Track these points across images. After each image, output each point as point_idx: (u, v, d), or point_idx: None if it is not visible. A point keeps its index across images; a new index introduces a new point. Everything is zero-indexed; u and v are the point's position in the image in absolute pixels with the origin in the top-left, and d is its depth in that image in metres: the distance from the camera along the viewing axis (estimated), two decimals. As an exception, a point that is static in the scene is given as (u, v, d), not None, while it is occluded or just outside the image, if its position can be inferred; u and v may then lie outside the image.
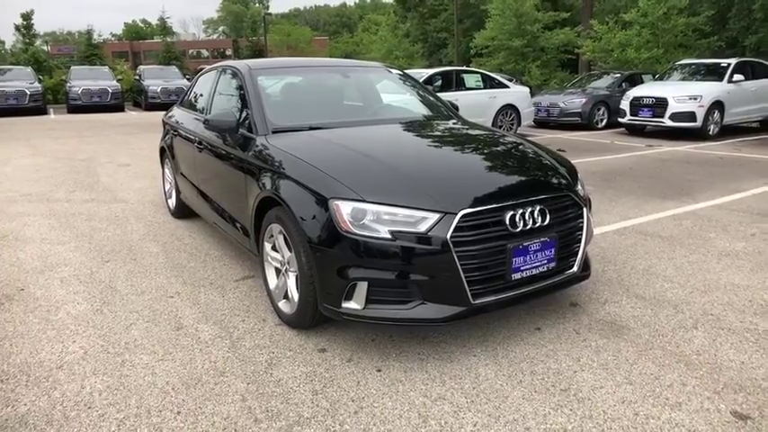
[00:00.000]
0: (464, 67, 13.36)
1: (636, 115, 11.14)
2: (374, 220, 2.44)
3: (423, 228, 2.41)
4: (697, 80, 11.43)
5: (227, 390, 2.37)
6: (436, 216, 2.42)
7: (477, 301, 2.49)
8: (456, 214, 2.43)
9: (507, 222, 2.55)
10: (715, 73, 11.35)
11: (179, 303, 3.26)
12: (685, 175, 7.08)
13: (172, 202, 5.17)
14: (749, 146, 9.84)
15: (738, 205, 5.46)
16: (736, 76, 10.98)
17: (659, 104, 10.75)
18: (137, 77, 21.41)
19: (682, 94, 10.58)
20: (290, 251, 2.81)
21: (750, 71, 11.34)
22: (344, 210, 2.47)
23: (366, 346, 2.74)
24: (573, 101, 12.45)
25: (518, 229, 2.58)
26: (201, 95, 4.50)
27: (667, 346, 2.72)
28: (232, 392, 2.35)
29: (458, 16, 23.82)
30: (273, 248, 3.02)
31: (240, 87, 3.73)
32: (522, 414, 2.20)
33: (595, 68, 17.42)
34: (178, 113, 4.81)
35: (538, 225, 2.64)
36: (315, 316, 2.74)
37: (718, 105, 10.62)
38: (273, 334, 2.87)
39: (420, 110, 4.03)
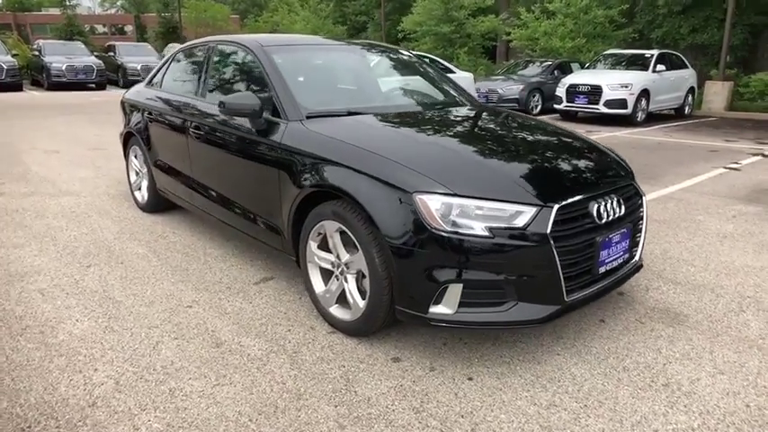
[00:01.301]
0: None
1: (572, 102, 11.56)
2: (465, 215, 2.21)
3: (520, 223, 2.21)
4: (624, 69, 12.06)
5: (316, 416, 2.06)
6: (533, 210, 2.23)
7: (569, 299, 2.34)
8: (552, 208, 2.26)
9: (594, 214, 2.43)
10: (639, 63, 12.03)
11: (203, 314, 2.84)
12: (638, 160, 7.40)
13: (141, 194, 4.57)
14: (676, 131, 10.54)
15: (702, 188, 5.76)
16: (659, 67, 11.71)
17: (594, 92, 11.22)
18: (35, 53, 19.19)
19: (614, 83, 11.10)
20: (352, 252, 2.51)
21: (669, 62, 12.14)
22: (433, 205, 2.21)
23: (441, 352, 2.51)
24: (511, 87, 12.70)
25: (603, 221, 2.46)
26: (187, 75, 3.96)
27: (730, 332, 2.74)
28: (323, 419, 2.04)
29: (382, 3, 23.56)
30: (323, 248, 2.69)
31: (250, 67, 3.30)
32: (642, 415, 2.09)
33: (522, 56, 17.94)
34: (152, 95, 4.21)
35: (617, 216, 2.54)
36: (384, 322, 2.47)
37: (645, 93, 11.27)
38: (332, 344, 2.56)
39: (451, 96, 3.78)
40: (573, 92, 11.53)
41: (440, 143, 2.69)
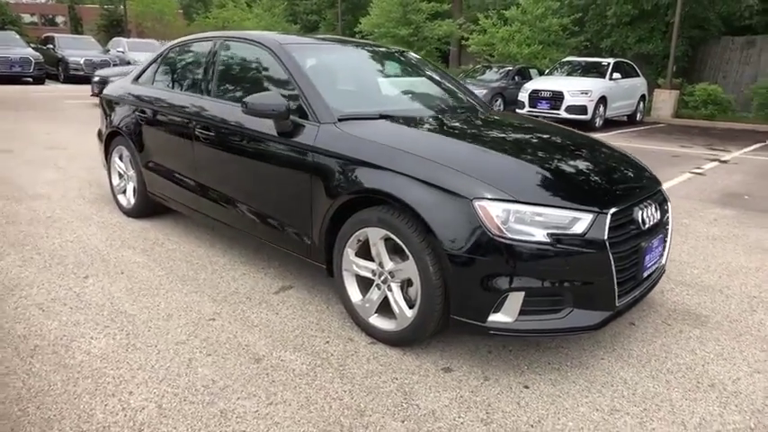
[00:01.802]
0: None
1: (534, 107, 11.85)
2: (525, 222, 2.17)
3: (579, 229, 2.20)
4: (582, 76, 12.49)
5: (386, 433, 1.97)
6: (590, 216, 2.23)
7: (619, 304, 2.36)
8: (607, 214, 2.26)
9: (639, 221, 2.46)
10: (596, 71, 12.50)
11: (230, 327, 2.67)
12: (608, 164, 7.66)
13: (127, 198, 4.28)
14: (633, 137, 11.00)
15: (677, 192, 6.01)
16: (615, 75, 12.19)
17: (556, 98, 11.56)
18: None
19: (575, 89, 11.47)
20: (396, 260, 2.43)
21: (623, 70, 12.67)
22: (494, 212, 2.16)
23: (490, 361, 2.47)
24: (475, 92, 12.87)
25: (646, 227, 2.50)
26: (188, 73, 3.74)
27: (751, 331, 2.84)
28: (395, 435, 1.95)
29: (340, 3, 23.38)
30: (361, 256, 2.59)
31: (268, 66, 3.15)
32: (701, 417, 2.13)
33: (477, 61, 18.25)
34: (144, 92, 3.95)
35: (656, 222, 2.59)
36: (434, 331, 2.40)
37: (603, 100, 11.71)
38: (376, 355, 2.47)
39: (467, 99, 3.74)
40: (535, 97, 11.83)
41: (487, 148, 2.64)
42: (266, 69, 3.19)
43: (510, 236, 2.14)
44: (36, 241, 3.73)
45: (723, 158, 8.48)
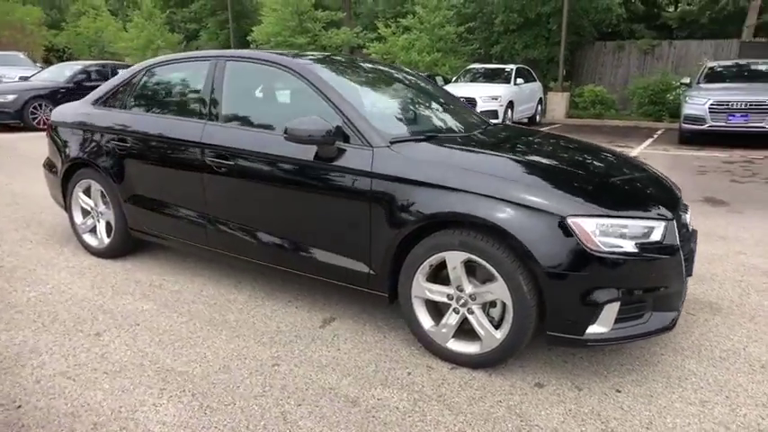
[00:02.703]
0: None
1: (449, 113, 12.29)
2: (615, 234, 2.27)
3: (657, 237, 2.34)
4: (487, 83, 13.18)
5: (529, 459, 1.94)
6: (663, 224, 2.37)
7: (678, 305, 2.53)
8: (672, 220, 2.43)
9: (687, 224, 2.66)
10: (499, 76, 13.27)
11: (300, 371, 2.48)
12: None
13: (98, 237, 3.80)
14: (542, 137, 11.80)
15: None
16: (518, 80, 13.03)
17: (469, 104, 12.06)
18: None
19: (486, 95, 12.08)
20: (476, 283, 2.42)
21: (524, 76, 13.58)
22: (588, 227, 2.23)
23: (571, 370, 2.53)
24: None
25: (690, 230, 2.71)
26: (184, 96, 3.40)
27: (760, 313, 3.14)
28: (539, 461, 1.94)
29: (230, 10, 22.52)
30: (435, 281, 2.53)
31: (292, 87, 2.99)
32: (783, 399, 2.34)
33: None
34: (121, 118, 3.53)
35: (692, 226, 2.82)
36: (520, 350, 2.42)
37: (510, 104, 12.45)
38: (466, 380, 2.42)
39: (475, 115, 3.77)
40: (449, 103, 12.27)
41: (547, 164, 2.71)
42: (291, 92, 3.02)
43: (605, 249, 2.22)
44: (5, 297, 3.19)
45: (632, 154, 9.39)
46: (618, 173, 2.85)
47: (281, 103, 3.09)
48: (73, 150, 3.75)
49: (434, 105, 3.57)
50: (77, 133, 3.75)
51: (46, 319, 2.94)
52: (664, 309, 2.43)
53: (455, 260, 2.43)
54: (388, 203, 2.54)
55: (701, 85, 10.30)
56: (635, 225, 2.31)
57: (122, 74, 3.78)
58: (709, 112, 9.47)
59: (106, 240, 3.76)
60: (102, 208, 3.74)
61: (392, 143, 2.66)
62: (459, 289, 2.47)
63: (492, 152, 2.83)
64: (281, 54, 3.12)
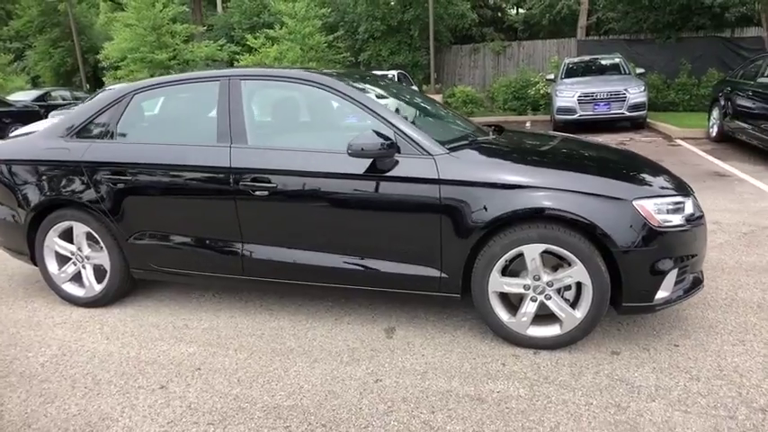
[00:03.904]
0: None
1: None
2: (667, 211, 2.63)
3: (689, 210, 2.75)
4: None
5: (689, 416, 2.21)
6: (690, 199, 2.80)
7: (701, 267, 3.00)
8: (692, 196, 2.87)
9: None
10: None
11: (404, 382, 2.49)
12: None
13: (84, 286, 3.37)
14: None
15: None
16: (405, 83, 13.62)
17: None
18: None
19: (376, 100, 12.45)
20: (549, 271, 2.65)
21: (403, 81, 14.22)
22: (650, 207, 2.57)
23: (627, 337, 2.85)
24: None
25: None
26: (192, 120, 3.15)
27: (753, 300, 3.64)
28: (700, 410, 2.21)
29: (74, 31, 20.27)
30: (506, 274, 2.71)
31: (326, 103, 2.96)
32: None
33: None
34: (115, 149, 3.16)
35: None
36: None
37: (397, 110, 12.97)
38: (557, 361, 2.63)
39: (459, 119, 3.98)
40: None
41: (596, 159, 3.02)
42: (327, 109, 2.99)
43: (664, 225, 2.58)
44: (12, 368, 2.73)
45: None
46: (640, 162, 3.25)
47: (318, 120, 3.03)
48: (44, 191, 3.28)
49: (442, 113, 3.73)
50: (48, 171, 3.28)
51: (85, 382, 2.58)
52: (693, 272, 2.86)
53: (533, 252, 2.62)
54: (459, 207, 2.66)
55: (566, 80, 11.67)
56: (676, 202, 2.70)
57: (97, 101, 3.39)
58: (578, 103, 10.79)
59: (97, 287, 3.34)
60: (87, 252, 3.32)
61: (451, 150, 2.79)
62: (536, 278, 2.68)
63: (536, 152, 3.08)
64: (308, 71, 3.07)
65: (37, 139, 3.44)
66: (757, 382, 2.40)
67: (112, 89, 3.41)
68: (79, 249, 3.34)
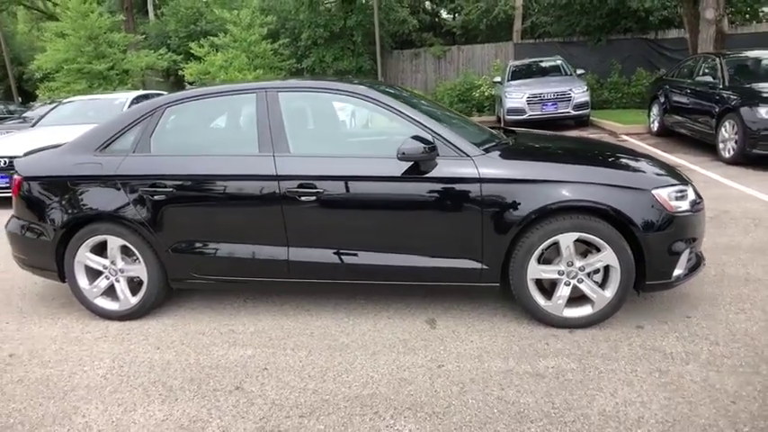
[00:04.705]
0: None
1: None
2: (677, 198, 3.00)
3: (692, 197, 3.14)
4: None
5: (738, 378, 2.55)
6: (690, 188, 3.19)
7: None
8: (689, 184, 3.27)
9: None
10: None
11: (465, 366, 2.72)
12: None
13: (113, 301, 3.39)
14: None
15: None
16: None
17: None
18: None
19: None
20: (579, 257, 2.95)
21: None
22: (666, 195, 2.93)
23: (643, 312, 3.21)
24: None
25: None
26: (229, 131, 3.24)
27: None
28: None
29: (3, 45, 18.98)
30: (542, 261, 2.99)
31: (365, 112, 3.13)
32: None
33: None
34: (153, 163, 3.19)
35: None
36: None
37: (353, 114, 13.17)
38: (592, 337, 2.94)
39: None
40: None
41: (611, 155, 3.36)
42: (362, 117, 3.17)
43: (677, 210, 2.95)
44: (71, 382, 2.72)
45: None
46: (644, 156, 3.60)
47: (355, 128, 3.20)
48: (76, 206, 3.25)
49: (459, 118, 3.99)
50: (81, 186, 3.26)
51: (158, 389, 2.63)
52: (697, 251, 3.26)
53: (568, 240, 2.92)
54: (500, 203, 2.92)
55: (513, 82, 12.28)
56: (682, 190, 3.08)
57: (123, 115, 3.39)
58: (527, 103, 11.41)
59: (132, 300, 3.35)
60: (121, 265, 3.33)
61: (486, 151, 3.05)
62: (569, 264, 2.98)
63: (563, 150, 3.39)
64: (342, 82, 3.24)
65: (63, 154, 3.39)
66: (767, 342, 2.80)
67: (145, 102, 3.41)
68: (112, 263, 3.33)
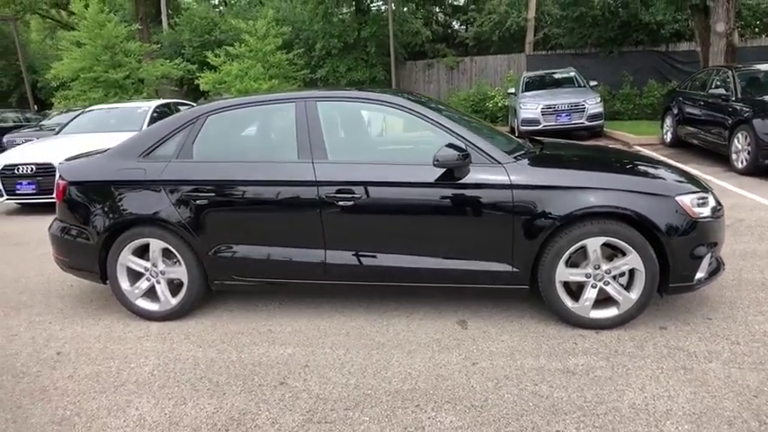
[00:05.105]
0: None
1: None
2: (699, 205, 3.12)
3: (713, 203, 3.26)
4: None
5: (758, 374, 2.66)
6: (709, 195, 3.31)
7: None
8: (710, 191, 3.39)
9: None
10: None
11: (499, 363, 2.84)
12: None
13: (154, 302, 3.54)
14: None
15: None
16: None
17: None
18: None
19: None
20: (605, 260, 3.07)
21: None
22: (689, 201, 3.05)
23: (666, 314, 3.32)
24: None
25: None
26: (270, 139, 3.40)
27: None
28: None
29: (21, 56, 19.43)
30: (570, 265, 3.11)
31: (402, 121, 3.28)
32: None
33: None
34: (196, 168, 3.35)
35: None
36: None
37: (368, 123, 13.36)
38: (618, 337, 3.05)
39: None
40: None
41: (635, 163, 3.49)
42: (396, 125, 3.31)
43: (699, 216, 3.07)
44: (121, 378, 2.86)
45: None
46: (665, 164, 3.74)
47: (390, 136, 3.35)
48: (120, 210, 3.42)
49: (487, 127, 4.13)
50: (125, 191, 3.43)
51: (205, 384, 2.77)
52: (717, 255, 3.37)
53: (595, 244, 3.05)
54: (531, 208, 3.05)
55: (527, 93, 12.43)
56: (703, 196, 3.19)
57: (165, 123, 3.56)
58: (542, 114, 11.54)
59: (173, 301, 3.50)
60: (162, 267, 3.48)
61: (516, 159, 3.19)
62: (596, 267, 3.10)
63: (589, 158, 3.52)
64: (377, 92, 3.40)
65: (107, 160, 3.56)
66: (787, 342, 2.91)
67: (187, 111, 3.58)
68: (154, 265, 3.49)
